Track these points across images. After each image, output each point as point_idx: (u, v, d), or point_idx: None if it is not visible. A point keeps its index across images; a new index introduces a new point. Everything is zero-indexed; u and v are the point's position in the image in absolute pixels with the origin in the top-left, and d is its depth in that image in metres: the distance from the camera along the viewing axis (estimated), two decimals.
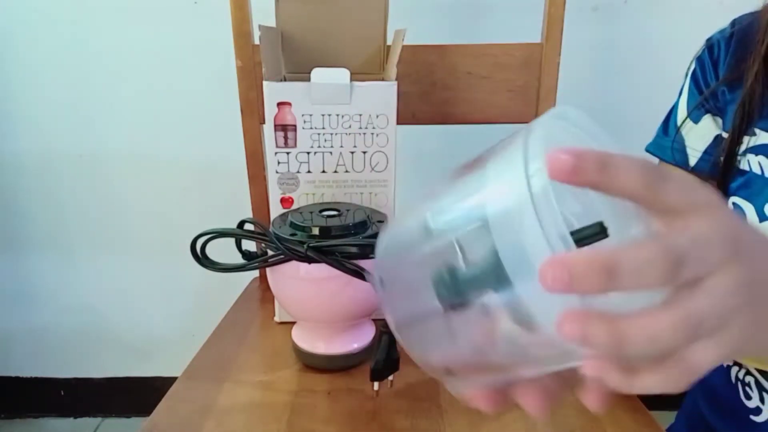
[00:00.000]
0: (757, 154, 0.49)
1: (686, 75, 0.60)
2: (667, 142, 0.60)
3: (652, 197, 0.22)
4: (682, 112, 0.59)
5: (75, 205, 1.19)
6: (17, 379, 1.35)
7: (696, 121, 0.58)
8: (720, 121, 0.56)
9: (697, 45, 0.60)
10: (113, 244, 1.22)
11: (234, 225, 0.54)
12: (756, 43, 0.51)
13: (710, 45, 0.57)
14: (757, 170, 0.49)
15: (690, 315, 0.22)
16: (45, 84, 1.11)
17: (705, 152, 0.57)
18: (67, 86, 1.11)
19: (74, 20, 1.07)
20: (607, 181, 0.22)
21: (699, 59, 0.58)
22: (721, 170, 0.53)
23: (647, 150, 0.64)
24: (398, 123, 0.60)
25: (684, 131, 0.59)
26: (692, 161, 0.58)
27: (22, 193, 1.19)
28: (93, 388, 1.35)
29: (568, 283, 0.20)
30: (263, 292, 0.76)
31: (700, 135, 0.57)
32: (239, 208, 0.73)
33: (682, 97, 0.60)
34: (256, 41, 0.71)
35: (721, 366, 0.55)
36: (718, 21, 0.58)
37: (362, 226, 0.52)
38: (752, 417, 0.51)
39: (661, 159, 0.62)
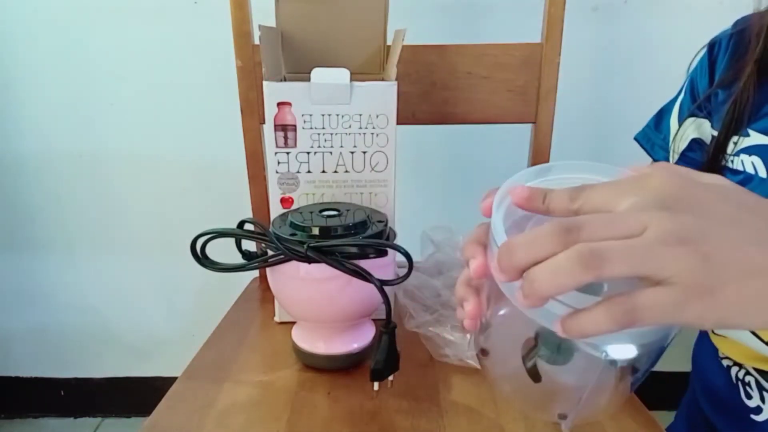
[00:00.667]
0: (750, 155, 0.50)
1: (687, 72, 0.60)
2: (656, 138, 0.62)
3: (577, 208, 0.28)
4: (677, 111, 0.60)
5: (75, 204, 1.19)
6: (17, 379, 1.35)
7: (680, 122, 0.59)
8: (706, 124, 0.57)
9: (697, 45, 0.60)
10: (113, 244, 1.22)
11: (234, 225, 0.54)
12: (750, 47, 0.51)
13: (711, 45, 0.58)
14: (750, 170, 0.50)
15: (591, 249, 0.25)
16: (45, 84, 1.11)
17: (681, 155, 0.58)
18: (67, 86, 1.11)
19: (74, 20, 1.07)
20: (546, 207, 0.29)
21: (699, 61, 0.58)
22: (706, 168, 0.54)
23: (636, 138, 0.65)
24: (398, 123, 0.60)
25: (672, 131, 0.60)
26: (671, 162, 0.59)
27: (22, 193, 1.19)
28: (93, 388, 1.35)
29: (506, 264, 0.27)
30: (263, 292, 0.76)
31: (682, 137, 0.59)
32: (239, 208, 0.73)
33: (680, 96, 0.61)
34: (256, 41, 0.71)
35: (722, 366, 0.55)
36: (718, 21, 0.58)
37: (362, 226, 0.52)
38: (753, 416, 0.51)
39: (646, 151, 0.63)
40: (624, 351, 0.30)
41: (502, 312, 0.32)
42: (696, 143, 0.58)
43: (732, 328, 0.26)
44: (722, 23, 0.58)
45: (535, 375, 0.32)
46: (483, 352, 0.36)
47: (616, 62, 1.07)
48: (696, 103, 0.58)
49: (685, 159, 0.59)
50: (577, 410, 0.33)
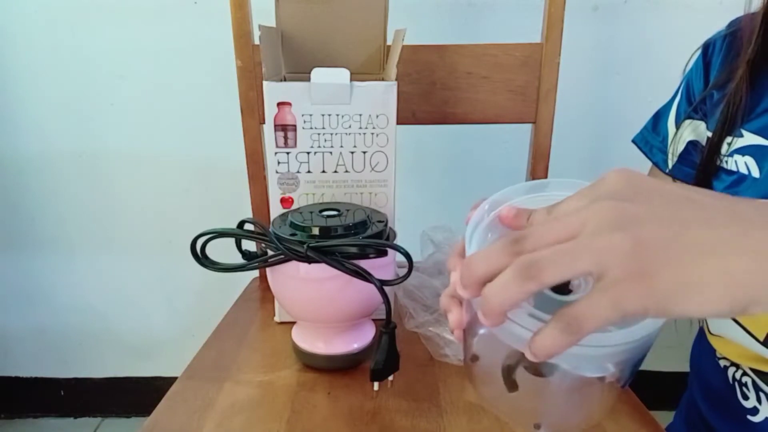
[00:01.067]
0: (744, 155, 0.50)
1: (683, 74, 0.60)
2: (654, 141, 0.62)
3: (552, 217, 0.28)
4: (674, 113, 0.60)
5: (75, 204, 1.19)
6: (17, 379, 1.35)
7: (677, 124, 0.59)
8: (702, 126, 0.57)
9: (697, 45, 0.60)
10: (113, 243, 1.22)
11: (234, 225, 0.54)
12: (743, 48, 0.52)
13: (706, 46, 0.58)
14: (744, 170, 0.50)
15: (530, 259, 0.25)
16: (45, 84, 1.11)
17: (679, 157, 0.59)
18: (67, 86, 1.11)
19: (74, 20, 1.07)
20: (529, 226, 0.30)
21: (695, 63, 0.59)
22: (701, 168, 0.54)
23: (634, 141, 0.65)
24: (398, 123, 0.60)
25: (669, 133, 0.60)
26: (669, 164, 0.60)
27: (22, 193, 1.19)
28: (93, 388, 1.35)
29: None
30: (263, 292, 0.76)
31: (679, 139, 0.59)
32: (239, 208, 0.73)
33: (676, 99, 0.61)
34: (256, 41, 0.71)
35: (719, 367, 0.55)
36: (718, 21, 0.58)
37: (362, 226, 0.52)
38: (749, 417, 0.51)
39: (644, 153, 0.64)
40: (599, 369, 0.30)
41: (482, 331, 0.33)
42: (693, 145, 0.58)
43: (679, 316, 0.24)
44: (722, 23, 0.58)
45: (512, 384, 0.33)
46: (473, 358, 0.36)
47: (616, 62, 1.07)
48: (692, 105, 0.58)
49: (683, 161, 0.59)
50: (551, 421, 0.34)
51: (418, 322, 0.62)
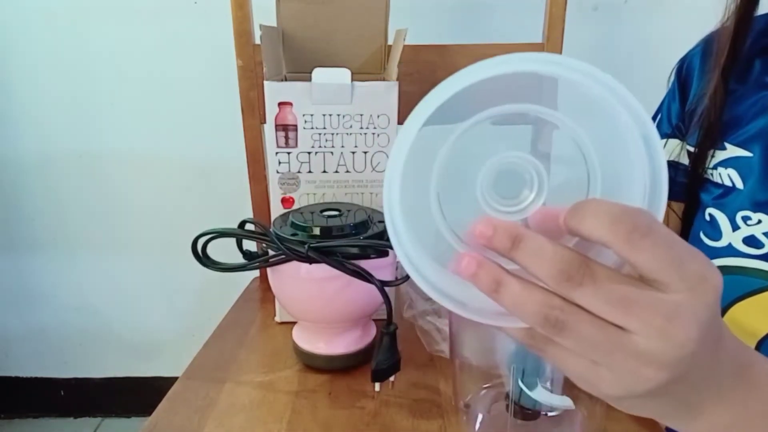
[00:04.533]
0: (727, 167, 0.51)
1: (667, 85, 0.60)
2: None
3: (626, 254, 0.23)
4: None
5: (75, 204, 1.19)
6: (17, 379, 1.35)
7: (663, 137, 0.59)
8: (680, 146, 0.57)
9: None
10: (114, 243, 1.22)
11: (235, 225, 0.53)
12: (717, 55, 0.52)
13: (680, 66, 0.58)
14: (728, 182, 0.51)
15: (558, 319, 0.23)
16: (45, 84, 1.11)
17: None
18: (67, 86, 1.11)
19: (74, 20, 1.07)
20: (576, 226, 0.24)
21: (671, 84, 0.59)
22: (688, 184, 0.54)
23: None
24: (399, 123, 0.60)
25: None
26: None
27: (23, 193, 1.19)
28: (93, 388, 1.35)
29: (489, 237, 0.24)
30: (263, 292, 0.76)
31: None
32: (240, 208, 0.73)
33: (657, 118, 0.61)
34: (257, 41, 0.71)
35: None
36: (718, 21, 0.58)
37: (363, 226, 0.52)
38: None
39: None
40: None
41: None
42: (671, 166, 0.58)
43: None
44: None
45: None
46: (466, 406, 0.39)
47: (616, 62, 1.07)
48: (671, 126, 0.58)
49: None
50: None
51: (416, 312, 0.61)
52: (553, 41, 0.72)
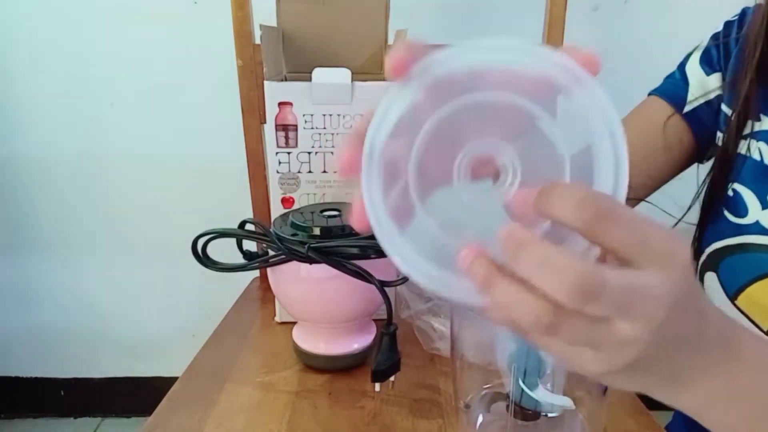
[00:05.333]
0: (759, 140, 0.50)
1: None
2: (672, 82, 0.60)
3: (592, 238, 0.23)
4: (694, 61, 0.58)
5: (75, 205, 1.19)
6: (17, 379, 1.35)
7: (707, 74, 0.57)
8: (715, 80, 0.56)
9: (697, 45, 0.60)
10: (114, 244, 1.22)
11: (235, 225, 0.53)
12: (749, 52, 0.51)
13: (726, 24, 0.57)
14: (756, 156, 0.49)
15: (552, 323, 0.23)
16: (45, 85, 1.11)
17: (699, 106, 0.57)
18: (67, 87, 1.11)
19: (74, 21, 1.07)
20: (543, 211, 0.24)
21: (715, 35, 0.58)
22: (722, 155, 0.53)
23: (651, 94, 0.63)
24: None
25: (690, 76, 0.58)
26: (687, 108, 0.58)
27: (23, 194, 1.19)
28: (93, 388, 1.35)
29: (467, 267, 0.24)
30: (264, 292, 0.76)
31: (704, 86, 0.57)
32: (240, 208, 0.73)
33: (697, 50, 0.59)
34: (257, 41, 0.71)
35: None
36: (718, 21, 0.58)
37: None
38: None
39: (662, 97, 0.60)
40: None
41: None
42: (707, 105, 0.57)
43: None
44: (722, 23, 0.58)
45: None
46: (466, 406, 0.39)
47: (616, 62, 1.07)
48: (711, 67, 0.57)
49: (704, 110, 0.57)
50: None
51: (412, 311, 0.62)
52: (553, 41, 0.72)
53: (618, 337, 0.24)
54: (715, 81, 0.56)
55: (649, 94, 0.63)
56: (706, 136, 0.57)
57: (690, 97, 0.57)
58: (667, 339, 0.25)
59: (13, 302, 1.28)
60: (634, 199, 0.58)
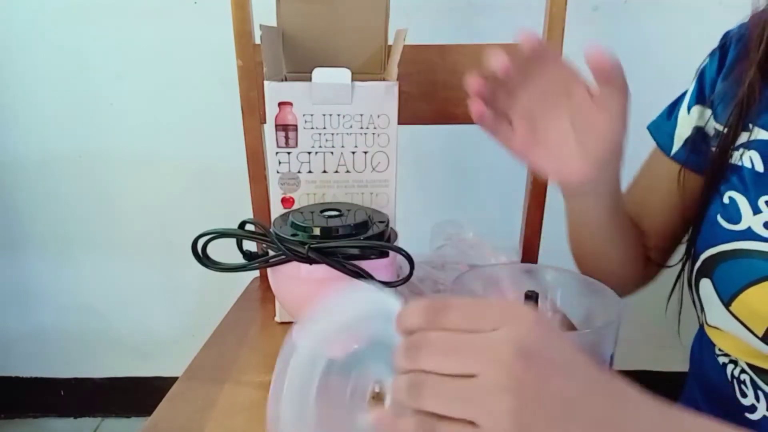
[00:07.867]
0: (749, 149, 0.51)
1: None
2: (667, 127, 0.62)
3: (440, 326, 0.29)
4: (686, 102, 0.60)
5: (75, 205, 1.19)
6: (17, 379, 1.35)
7: (688, 110, 0.59)
8: (709, 112, 0.57)
9: (697, 45, 0.60)
10: (113, 244, 1.22)
11: (235, 225, 0.54)
12: (751, 50, 0.51)
13: (725, 36, 0.58)
14: (748, 164, 0.50)
15: (413, 382, 0.28)
16: (44, 84, 1.11)
17: (684, 142, 0.59)
18: (66, 86, 1.11)
19: (74, 20, 1.07)
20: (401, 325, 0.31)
21: (712, 52, 0.58)
22: (713, 164, 0.54)
23: (648, 128, 0.65)
24: (399, 123, 0.60)
25: (680, 119, 0.60)
26: (673, 150, 0.60)
27: (22, 194, 1.19)
28: (93, 388, 1.35)
29: None
30: (264, 292, 0.76)
31: (688, 124, 0.59)
32: (240, 208, 0.73)
33: (690, 87, 0.60)
34: (257, 41, 0.71)
35: (717, 363, 0.55)
36: (718, 21, 0.58)
37: (363, 226, 0.52)
38: (747, 414, 0.51)
39: (656, 140, 0.63)
40: None
41: None
42: (697, 131, 0.58)
43: None
44: (722, 23, 0.58)
45: None
46: None
47: None
48: (704, 93, 0.58)
49: (688, 146, 0.59)
50: None
51: None
52: (553, 41, 0.72)
53: (484, 387, 0.27)
54: (696, 112, 0.58)
55: (650, 131, 0.64)
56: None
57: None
58: (547, 390, 0.27)
59: (13, 302, 1.28)
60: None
